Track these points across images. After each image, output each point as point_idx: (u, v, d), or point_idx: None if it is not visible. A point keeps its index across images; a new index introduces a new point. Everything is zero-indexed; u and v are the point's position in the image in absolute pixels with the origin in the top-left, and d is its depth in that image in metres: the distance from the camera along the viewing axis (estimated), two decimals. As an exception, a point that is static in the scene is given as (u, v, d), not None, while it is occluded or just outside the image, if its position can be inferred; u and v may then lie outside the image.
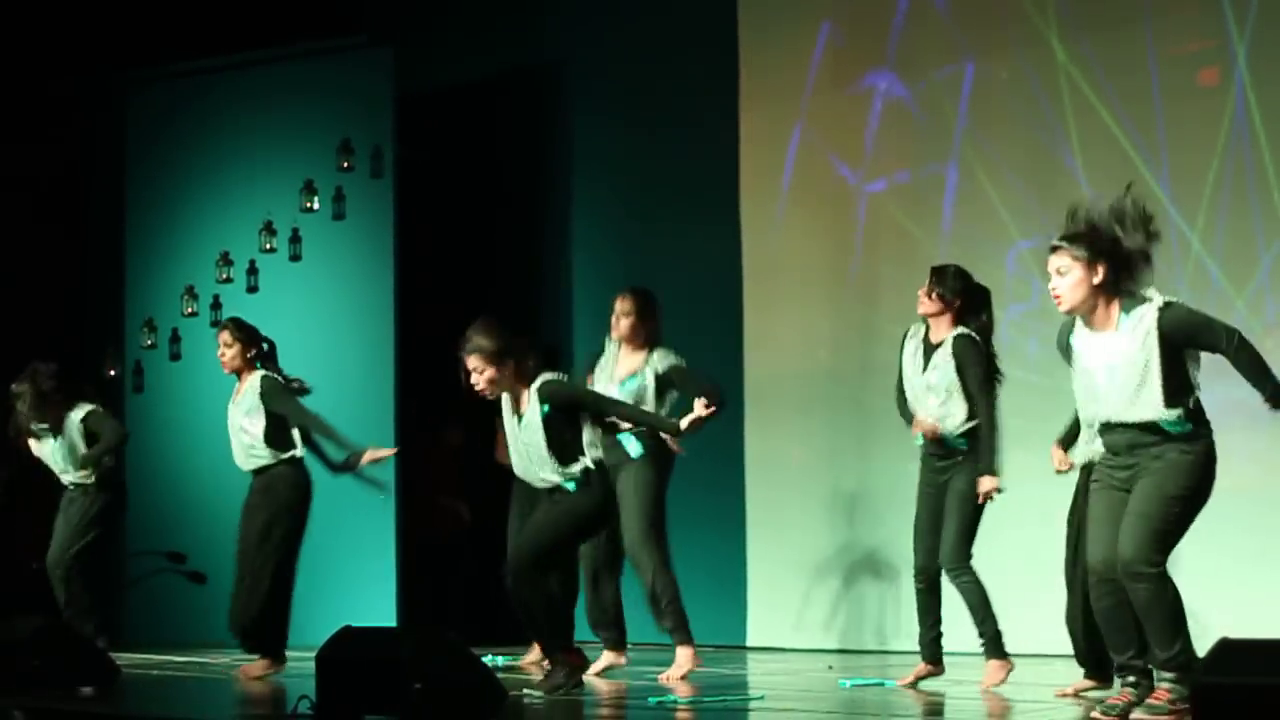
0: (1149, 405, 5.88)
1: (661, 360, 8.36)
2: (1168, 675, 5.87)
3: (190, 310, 11.89)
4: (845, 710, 7.01)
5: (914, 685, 7.68)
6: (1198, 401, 5.95)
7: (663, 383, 8.33)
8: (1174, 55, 9.56)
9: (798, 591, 10.62)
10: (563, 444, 7.32)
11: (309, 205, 11.54)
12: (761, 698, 7.33)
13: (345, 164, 11.48)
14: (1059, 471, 7.44)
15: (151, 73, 12.30)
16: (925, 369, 7.72)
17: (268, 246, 11.66)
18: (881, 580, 10.34)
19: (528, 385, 7.34)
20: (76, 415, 9.65)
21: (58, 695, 7.30)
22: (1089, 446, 6.31)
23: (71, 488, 9.69)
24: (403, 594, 10.90)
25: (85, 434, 9.63)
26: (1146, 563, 5.82)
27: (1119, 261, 5.89)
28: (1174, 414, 5.87)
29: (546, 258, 11.96)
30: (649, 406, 8.21)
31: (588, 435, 7.42)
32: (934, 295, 7.75)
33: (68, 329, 12.51)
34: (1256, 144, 9.25)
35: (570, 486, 7.35)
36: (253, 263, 11.71)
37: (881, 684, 7.86)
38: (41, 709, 6.67)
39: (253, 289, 11.72)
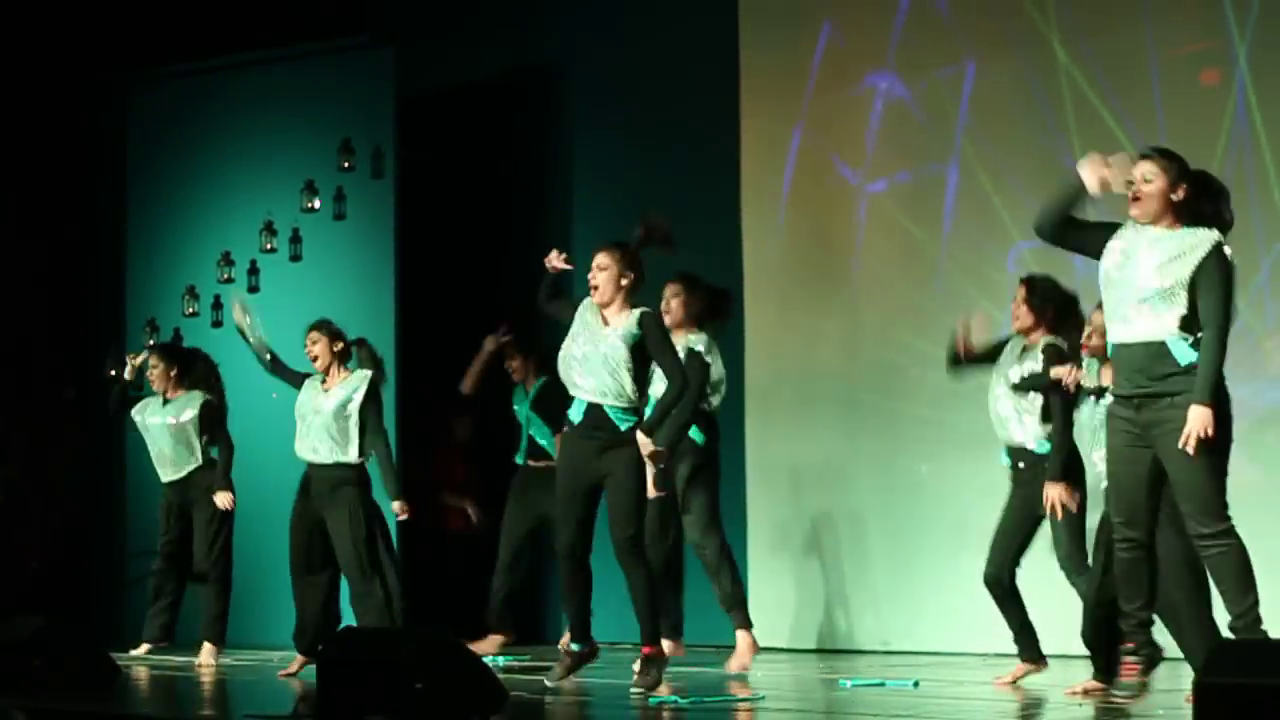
0: (1168, 320, 6.04)
1: (696, 342, 8.52)
2: None
3: (191, 310, 11.90)
4: (845, 710, 7.01)
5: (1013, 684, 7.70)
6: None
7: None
8: (1175, 55, 9.56)
9: (798, 592, 10.62)
10: (637, 374, 7.44)
11: (310, 205, 11.54)
12: (762, 698, 7.33)
13: (346, 164, 11.48)
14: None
15: (153, 73, 12.30)
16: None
17: (268, 246, 11.66)
18: (882, 580, 10.33)
19: (629, 309, 7.49)
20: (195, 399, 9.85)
21: (61, 695, 7.30)
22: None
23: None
24: (403, 594, 10.88)
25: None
26: (1218, 520, 6.05)
27: (1201, 190, 6.19)
28: (1184, 339, 6.05)
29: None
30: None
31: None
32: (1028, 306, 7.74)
33: (68, 329, 12.52)
34: (1257, 144, 9.25)
35: (619, 420, 7.40)
36: (254, 263, 11.71)
37: (882, 684, 7.86)
38: (41, 709, 6.67)
39: (253, 289, 11.72)
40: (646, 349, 7.47)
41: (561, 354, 7.62)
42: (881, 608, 10.33)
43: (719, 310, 8.80)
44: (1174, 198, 6.16)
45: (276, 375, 9.27)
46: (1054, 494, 7.40)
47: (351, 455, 8.91)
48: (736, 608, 8.61)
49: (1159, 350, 6.07)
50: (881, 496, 10.40)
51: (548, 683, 7.66)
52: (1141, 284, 6.11)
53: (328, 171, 11.52)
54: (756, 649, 8.56)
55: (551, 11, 11.98)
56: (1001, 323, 9.72)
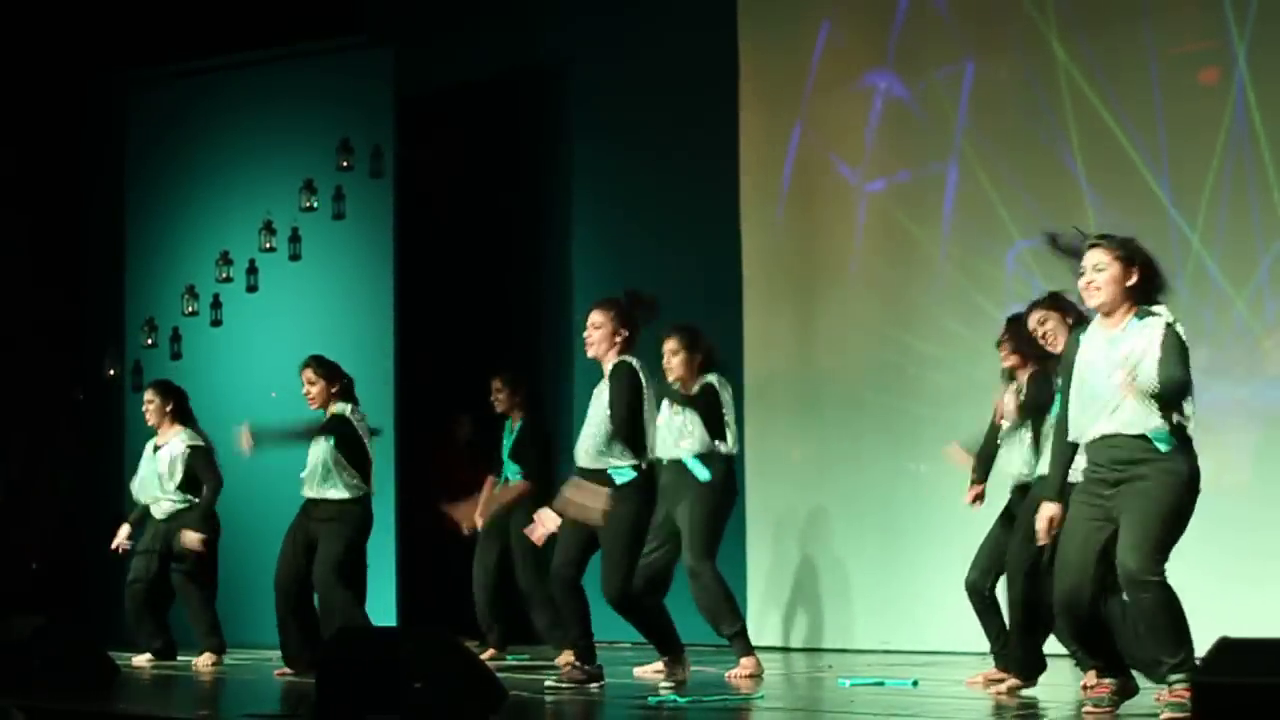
0: (1137, 412, 6.03)
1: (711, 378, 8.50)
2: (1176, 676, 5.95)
3: (191, 310, 11.89)
4: (845, 710, 7.01)
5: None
6: (1184, 425, 6.08)
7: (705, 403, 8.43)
8: (1174, 55, 9.56)
9: (798, 591, 10.62)
10: (626, 426, 7.52)
11: (309, 205, 11.55)
12: (761, 697, 7.33)
13: (345, 164, 11.48)
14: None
15: (152, 73, 12.30)
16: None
17: (267, 246, 11.66)
18: (880, 579, 10.34)
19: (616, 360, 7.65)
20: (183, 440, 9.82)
21: (61, 695, 7.30)
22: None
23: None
24: (403, 594, 10.90)
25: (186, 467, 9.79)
26: (1150, 571, 5.97)
27: (1151, 272, 6.19)
28: (1161, 427, 6.02)
29: (546, 256, 11.95)
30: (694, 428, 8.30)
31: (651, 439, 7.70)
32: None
33: (68, 329, 12.51)
34: (1256, 143, 9.24)
35: (619, 475, 7.51)
36: (252, 262, 11.71)
37: (881, 683, 7.86)
38: (41, 709, 6.67)
39: (252, 288, 11.72)
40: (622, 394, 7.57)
41: None
42: (881, 607, 10.33)
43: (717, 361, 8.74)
44: (1129, 283, 6.15)
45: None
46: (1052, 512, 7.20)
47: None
48: (734, 639, 8.40)
49: (1140, 442, 6.04)
50: (880, 495, 10.40)
51: (548, 684, 7.71)
52: (1113, 386, 6.06)
53: (327, 171, 11.52)
54: (759, 673, 8.38)
55: (551, 12, 11.98)
56: (1000, 324, 9.75)
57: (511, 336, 11.85)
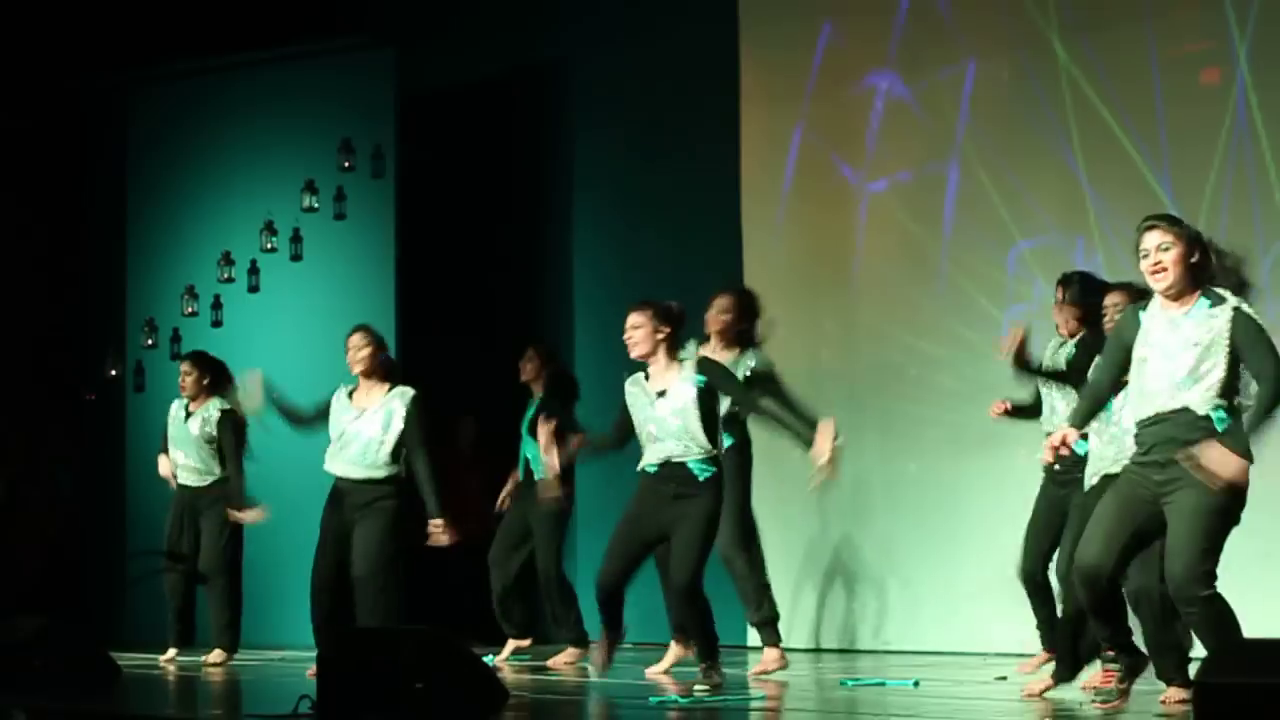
0: (1200, 395, 5.87)
1: (753, 359, 8.53)
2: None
3: (191, 310, 11.90)
4: (845, 710, 7.01)
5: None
6: (1240, 406, 5.94)
7: (751, 383, 8.38)
8: (1175, 55, 9.56)
9: (798, 591, 10.61)
10: (709, 422, 7.55)
11: (310, 205, 11.55)
12: (762, 698, 7.33)
13: (346, 164, 11.49)
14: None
15: (153, 72, 12.31)
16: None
17: (269, 246, 11.66)
18: (881, 580, 10.33)
19: (676, 361, 7.61)
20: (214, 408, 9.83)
21: (61, 695, 7.30)
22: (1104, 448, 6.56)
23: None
24: (404, 594, 10.89)
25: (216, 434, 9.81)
26: (1200, 584, 5.81)
27: (1208, 250, 5.99)
28: (1219, 406, 5.86)
29: (547, 256, 11.95)
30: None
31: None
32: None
33: (68, 329, 12.52)
34: (1258, 144, 9.24)
35: (699, 472, 7.49)
36: (254, 262, 11.72)
37: (882, 684, 7.86)
38: (41, 709, 6.67)
39: (254, 289, 11.72)
40: (714, 393, 7.61)
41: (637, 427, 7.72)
42: (881, 607, 10.33)
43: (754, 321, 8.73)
44: (1193, 261, 5.95)
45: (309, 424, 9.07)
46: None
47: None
48: (763, 626, 8.50)
49: (1194, 419, 5.87)
50: (881, 496, 10.39)
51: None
52: (1174, 368, 5.90)
53: (328, 171, 11.52)
54: (783, 664, 8.49)
55: (551, 12, 11.98)
56: (1002, 325, 9.75)
57: (513, 337, 11.84)
